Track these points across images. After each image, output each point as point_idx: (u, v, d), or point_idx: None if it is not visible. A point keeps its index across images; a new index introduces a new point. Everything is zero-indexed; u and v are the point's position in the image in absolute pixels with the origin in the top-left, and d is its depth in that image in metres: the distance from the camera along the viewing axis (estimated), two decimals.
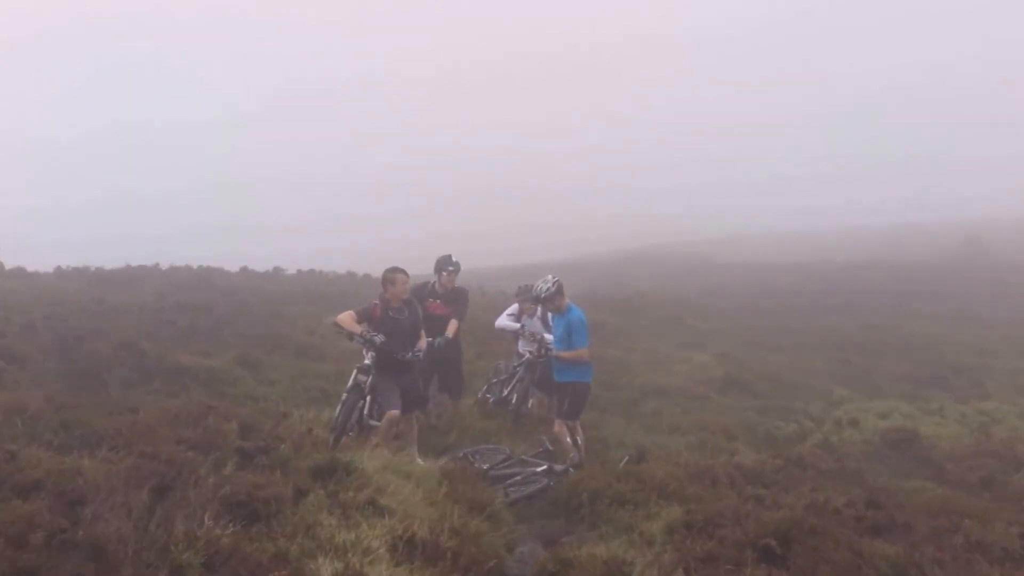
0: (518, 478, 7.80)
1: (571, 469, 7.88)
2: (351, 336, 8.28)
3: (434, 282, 10.29)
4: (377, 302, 8.43)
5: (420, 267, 13.03)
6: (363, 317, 8.31)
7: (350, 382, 8.41)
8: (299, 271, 32.11)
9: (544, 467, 7.92)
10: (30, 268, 25.00)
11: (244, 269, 30.47)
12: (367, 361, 8.37)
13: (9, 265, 24.54)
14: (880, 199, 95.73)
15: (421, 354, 8.38)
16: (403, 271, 8.48)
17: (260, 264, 31.84)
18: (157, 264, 27.97)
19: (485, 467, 7.99)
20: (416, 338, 8.45)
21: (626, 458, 8.51)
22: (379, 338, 8.08)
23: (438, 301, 10.16)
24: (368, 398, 8.39)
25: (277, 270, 31.62)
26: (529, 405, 10.78)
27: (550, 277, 9.00)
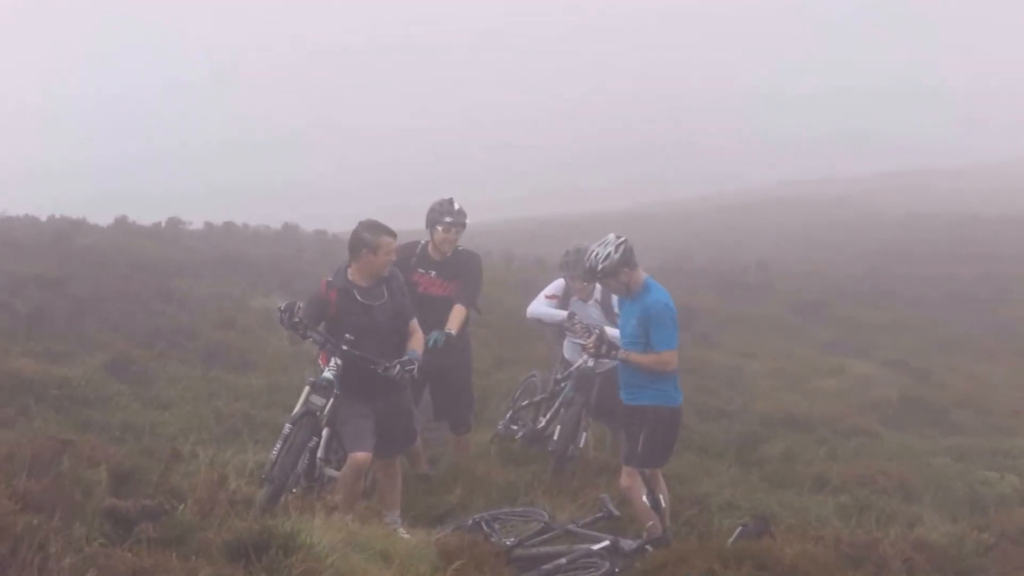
0: (563, 561, 7.81)
1: (648, 547, 7.88)
2: (305, 330, 8.20)
3: (425, 243, 10.02)
4: (331, 279, 8.35)
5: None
6: (314, 312, 8.27)
7: (298, 406, 8.34)
8: (208, 224, 32.19)
9: (605, 543, 7.92)
10: None
11: (122, 221, 30.60)
12: (327, 374, 8.23)
13: None
14: None
15: (414, 367, 8.24)
16: (390, 231, 8.27)
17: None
18: None
19: (509, 542, 8.02)
20: (402, 337, 8.40)
21: (739, 529, 8.48)
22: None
23: (432, 274, 9.92)
24: (326, 432, 8.39)
25: (174, 222, 31.61)
26: (581, 443, 10.77)
27: (612, 237, 8.74)
